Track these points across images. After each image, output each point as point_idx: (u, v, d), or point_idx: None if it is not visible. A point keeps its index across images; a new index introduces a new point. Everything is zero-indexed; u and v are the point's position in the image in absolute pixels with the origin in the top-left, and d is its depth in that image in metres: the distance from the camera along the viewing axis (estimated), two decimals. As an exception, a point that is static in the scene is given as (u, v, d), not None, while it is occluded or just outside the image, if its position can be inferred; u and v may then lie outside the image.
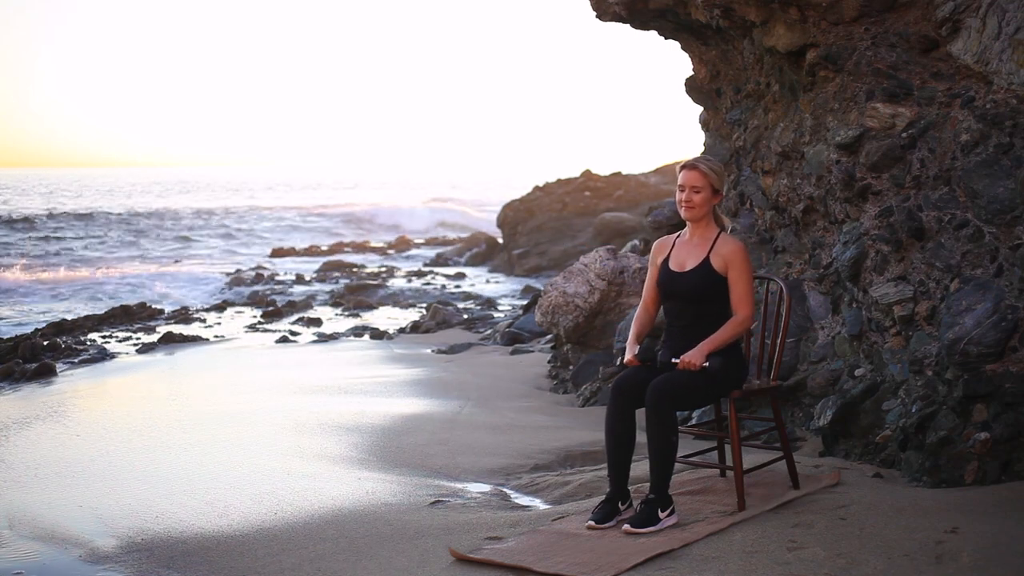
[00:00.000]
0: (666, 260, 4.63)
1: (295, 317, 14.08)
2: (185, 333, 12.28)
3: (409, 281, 19.79)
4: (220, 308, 15.41)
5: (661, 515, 4.24)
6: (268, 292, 17.91)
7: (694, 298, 4.49)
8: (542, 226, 22.19)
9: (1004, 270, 4.78)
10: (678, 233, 4.72)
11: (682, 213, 4.61)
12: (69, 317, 13.71)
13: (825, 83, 5.76)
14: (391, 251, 28.43)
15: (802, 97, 6.02)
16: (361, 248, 29.10)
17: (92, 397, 8.32)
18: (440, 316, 12.91)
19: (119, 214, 40.04)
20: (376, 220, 38.82)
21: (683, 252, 4.60)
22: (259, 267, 22.98)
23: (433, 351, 10.58)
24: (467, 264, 23.66)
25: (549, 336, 9.50)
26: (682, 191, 4.58)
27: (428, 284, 19.19)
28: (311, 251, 28.06)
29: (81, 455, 6.06)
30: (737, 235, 4.84)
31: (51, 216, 34.08)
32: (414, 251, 28.18)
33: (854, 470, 5.07)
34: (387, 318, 14.35)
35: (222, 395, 8.07)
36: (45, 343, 11.13)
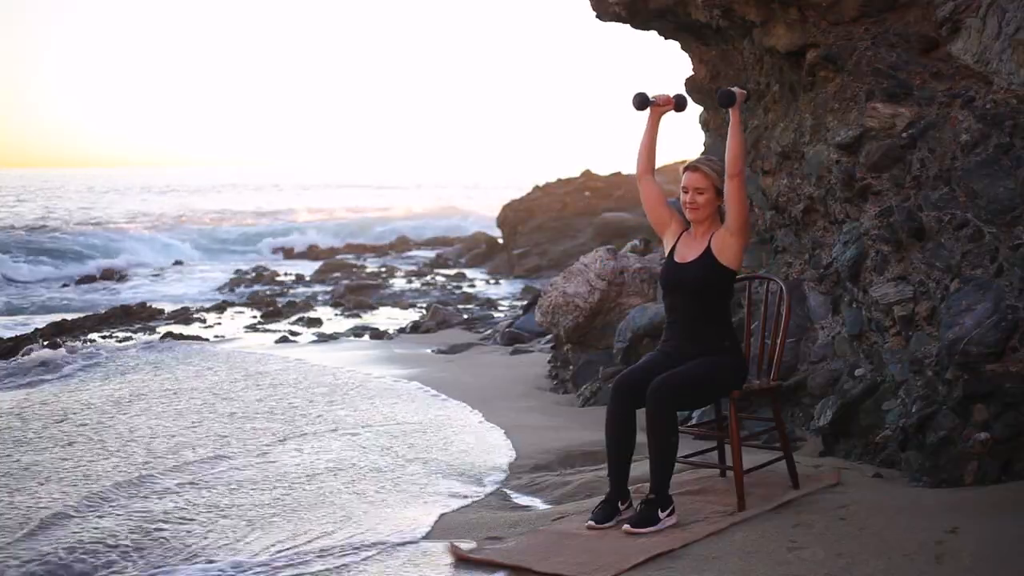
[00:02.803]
0: (672, 253, 4.66)
1: (295, 317, 14.08)
2: (185, 333, 12.28)
3: (409, 282, 19.79)
4: (220, 308, 15.42)
5: (661, 515, 4.24)
6: (268, 292, 17.92)
7: (697, 291, 4.51)
8: (542, 226, 22.19)
9: (1004, 270, 4.78)
10: (687, 228, 4.73)
11: (686, 214, 4.63)
12: (69, 317, 13.70)
13: (825, 83, 5.76)
14: (391, 252, 28.41)
15: (802, 97, 6.02)
16: (361, 249, 29.05)
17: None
18: (440, 316, 12.91)
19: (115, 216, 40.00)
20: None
21: (686, 246, 4.64)
22: (259, 267, 22.96)
23: (433, 351, 10.58)
24: (467, 265, 23.66)
25: (549, 336, 9.50)
26: (686, 193, 4.59)
27: (428, 284, 19.19)
28: (311, 252, 28.03)
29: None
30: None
31: (46, 225, 33.86)
32: (414, 252, 28.16)
33: (854, 470, 5.07)
34: (387, 318, 14.36)
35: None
36: (45, 343, 11.13)
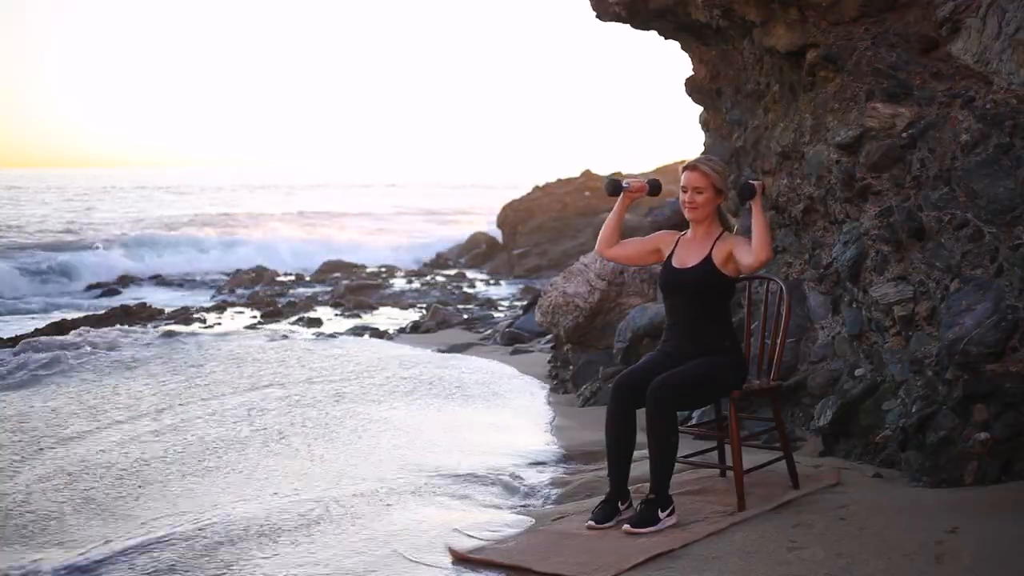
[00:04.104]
0: (669, 258, 4.65)
1: (295, 317, 14.07)
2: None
3: (409, 282, 19.79)
4: (220, 309, 15.42)
5: (661, 515, 4.24)
6: (268, 292, 17.92)
7: (697, 293, 4.51)
8: (542, 226, 22.19)
9: (1004, 270, 4.77)
10: (682, 232, 4.74)
11: (686, 214, 4.63)
12: (69, 317, 13.70)
13: (825, 83, 5.76)
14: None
15: (802, 97, 6.02)
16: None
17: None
18: (440, 316, 12.91)
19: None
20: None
21: (685, 250, 4.63)
22: (259, 267, 22.92)
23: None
24: (467, 265, 23.65)
25: (549, 336, 9.50)
26: (685, 192, 4.60)
27: (428, 284, 19.19)
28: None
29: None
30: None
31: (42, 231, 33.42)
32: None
33: (854, 470, 5.07)
34: (387, 318, 14.35)
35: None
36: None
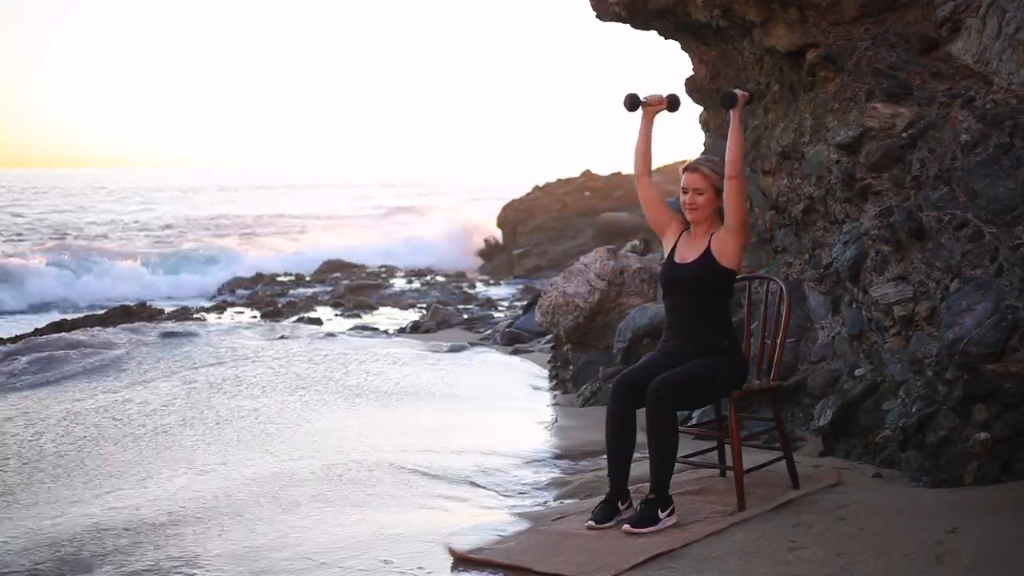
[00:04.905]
0: (671, 254, 4.66)
1: (295, 317, 14.08)
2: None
3: (409, 282, 19.81)
4: (220, 309, 15.43)
5: (661, 515, 4.24)
6: (268, 293, 17.92)
7: (696, 290, 4.52)
8: (542, 226, 22.20)
9: (1004, 270, 4.78)
10: (686, 228, 4.73)
11: (686, 215, 4.63)
12: (69, 317, 13.70)
13: (825, 83, 5.76)
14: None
15: (802, 97, 6.02)
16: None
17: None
18: (440, 316, 12.92)
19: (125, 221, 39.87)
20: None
21: (686, 247, 4.64)
22: (258, 269, 22.92)
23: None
24: (467, 265, 23.66)
25: (549, 336, 9.50)
26: (685, 193, 4.60)
27: (428, 284, 19.20)
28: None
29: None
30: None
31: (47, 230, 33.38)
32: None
33: (854, 470, 5.07)
34: (387, 318, 14.37)
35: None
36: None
